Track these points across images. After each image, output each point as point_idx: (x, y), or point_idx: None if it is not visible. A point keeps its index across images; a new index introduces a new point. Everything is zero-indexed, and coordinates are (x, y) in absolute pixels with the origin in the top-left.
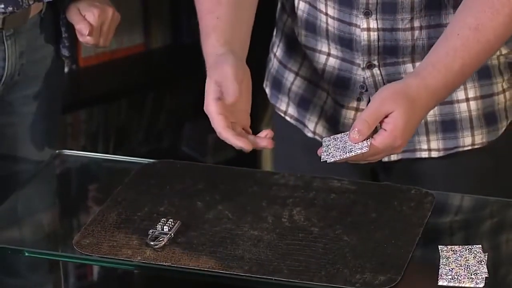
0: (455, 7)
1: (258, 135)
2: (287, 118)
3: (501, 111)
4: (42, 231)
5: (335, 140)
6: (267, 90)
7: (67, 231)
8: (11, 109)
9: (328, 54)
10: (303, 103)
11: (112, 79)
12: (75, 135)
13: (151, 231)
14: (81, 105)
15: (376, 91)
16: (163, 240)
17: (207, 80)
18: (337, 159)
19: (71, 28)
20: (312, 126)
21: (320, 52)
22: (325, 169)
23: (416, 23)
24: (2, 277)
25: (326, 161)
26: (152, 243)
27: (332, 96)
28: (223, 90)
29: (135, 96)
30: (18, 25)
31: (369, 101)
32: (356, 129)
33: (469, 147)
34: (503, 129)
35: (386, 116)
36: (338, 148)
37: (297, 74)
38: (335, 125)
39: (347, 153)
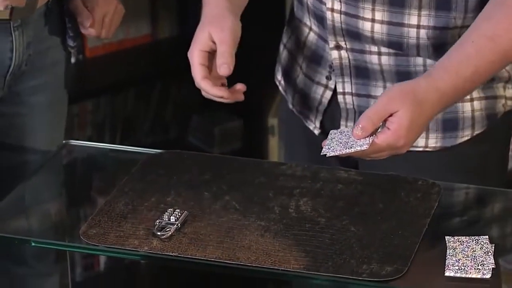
0: (420, 9)
1: (232, 88)
2: (280, 88)
3: (466, 119)
4: (48, 221)
5: (341, 134)
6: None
7: (74, 221)
8: (19, 100)
9: (310, 29)
10: (285, 75)
11: (119, 70)
12: (81, 125)
13: (158, 221)
14: (88, 95)
15: (341, 73)
16: (170, 230)
17: (200, 28)
18: (336, 153)
19: (75, 18)
20: (290, 99)
21: (305, 25)
22: (309, 141)
23: (378, 16)
24: (10, 266)
25: (325, 154)
26: (159, 233)
27: (305, 71)
28: (218, 54)
29: (142, 86)
30: (25, 16)
31: (336, 82)
32: (360, 125)
33: (421, 149)
34: (467, 138)
35: (391, 115)
36: (341, 143)
37: (285, 46)
38: (306, 100)
39: (347, 149)
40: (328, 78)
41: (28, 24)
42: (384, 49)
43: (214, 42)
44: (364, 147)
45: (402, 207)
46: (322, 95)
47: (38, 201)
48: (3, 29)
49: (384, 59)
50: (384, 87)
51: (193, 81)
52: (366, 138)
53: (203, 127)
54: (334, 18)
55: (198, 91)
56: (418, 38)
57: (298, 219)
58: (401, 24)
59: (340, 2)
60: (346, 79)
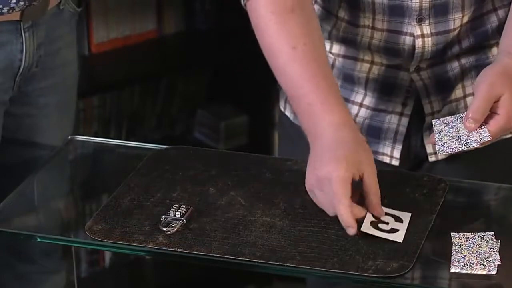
0: None
1: None
2: None
3: None
4: (54, 216)
5: (447, 126)
6: (287, 113)
7: (80, 217)
8: (28, 100)
9: (372, 62)
10: None
11: (125, 65)
12: (87, 121)
13: (163, 217)
14: (94, 91)
15: (426, 93)
16: (175, 226)
17: (351, 149)
18: (453, 151)
19: None
20: None
21: (363, 61)
22: None
23: (465, 19)
24: (16, 263)
25: (442, 153)
26: (164, 229)
27: (371, 105)
28: (371, 193)
29: (148, 82)
30: (36, 17)
31: (414, 106)
32: (470, 116)
33: (510, 135)
34: None
35: (497, 100)
36: (452, 137)
37: None
38: (376, 134)
39: (464, 146)
40: (405, 104)
41: (39, 25)
42: (463, 51)
43: (359, 173)
44: (487, 139)
45: (408, 203)
46: (399, 123)
47: (44, 197)
48: (13, 30)
49: (464, 61)
50: (463, 86)
51: (199, 77)
52: (479, 130)
53: (209, 122)
54: (425, 43)
55: (203, 86)
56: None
57: (304, 215)
58: (482, 15)
59: (429, 24)
60: (433, 98)
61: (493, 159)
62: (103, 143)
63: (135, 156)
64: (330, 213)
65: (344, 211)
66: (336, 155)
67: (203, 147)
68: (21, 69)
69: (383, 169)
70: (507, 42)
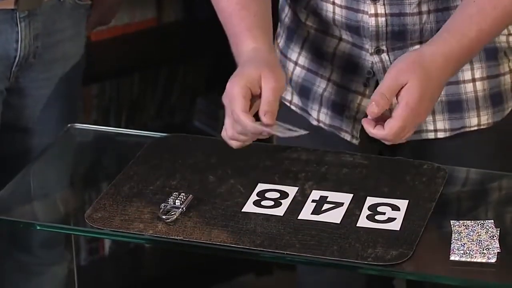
0: None
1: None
2: (292, 107)
3: (508, 92)
4: (53, 205)
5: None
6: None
7: (79, 205)
8: (27, 92)
9: (340, 39)
10: (304, 92)
11: (124, 54)
12: (87, 109)
13: (163, 205)
14: (93, 79)
15: (383, 76)
16: (175, 214)
17: (250, 65)
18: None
19: None
20: (315, 114)
21: (332, 36)
22: None
23: (424, 7)
24: (16, 254)
25: None
26: (164, 217)
27: (337, 81)
28: (265, 101)
29: (147, 70)
30: (32, 7)
31: (376, 86)
32: (374, 101)
33: (475, 128)
34: (510, 109)
35: (402, 88)
36: None
37: (296, 63)
38: (340, 110)
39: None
40: (366, 85)
41: (36, 16)
42: (425, 39)
43: (260, 87)
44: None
45: (407, 191)
46: (360, 103)
47: (43, 185)
48: (9, 19)
49: None
50: None
51: (199, 65)
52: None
53: (208, 110)
54: (379, 23)
55: (203, 74)
56: None
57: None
58: (448, 8)
59: (384, 4)
60: None
61: (460, 149)
62: (103, 131)
63: (135, 144)
64: (225, 135)
65: (243, 119)
66: (238, 72)
67: (203, 135)
68: (16, 59)
69: (382, 158)
70: (438, 32)
